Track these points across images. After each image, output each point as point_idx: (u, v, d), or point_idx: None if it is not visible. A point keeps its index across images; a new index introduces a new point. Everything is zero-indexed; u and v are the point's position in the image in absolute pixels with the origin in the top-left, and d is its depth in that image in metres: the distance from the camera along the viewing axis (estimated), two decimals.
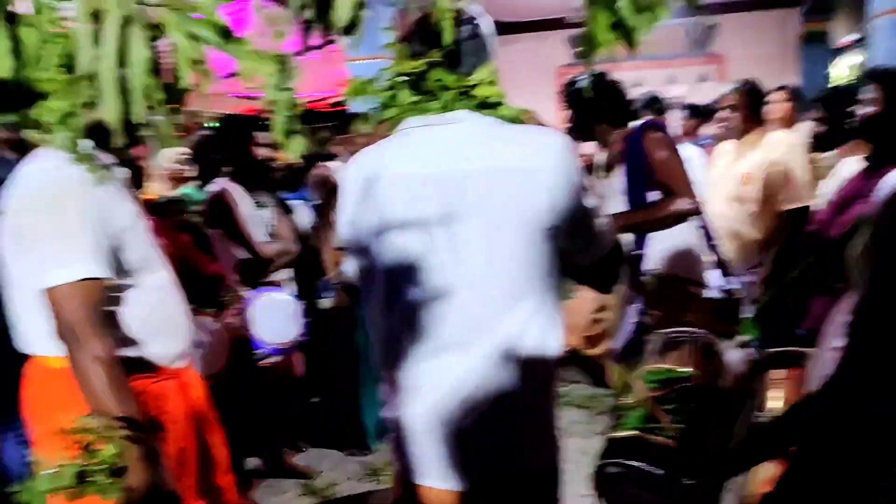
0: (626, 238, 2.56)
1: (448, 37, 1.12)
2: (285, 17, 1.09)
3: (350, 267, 1.66)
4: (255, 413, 3.16)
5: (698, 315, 2.33)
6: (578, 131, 2.69)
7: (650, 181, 2.48)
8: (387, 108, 1.39)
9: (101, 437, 1.32)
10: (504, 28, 8.28)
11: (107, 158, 1.54)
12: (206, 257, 2.57)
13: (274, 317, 2.61)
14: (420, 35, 1.34)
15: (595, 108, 2.59)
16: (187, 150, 3.99)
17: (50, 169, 1.41)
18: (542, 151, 1.29)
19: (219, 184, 2.97)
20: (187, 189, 3.69)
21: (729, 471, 1.31)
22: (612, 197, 2.63)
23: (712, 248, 2.66)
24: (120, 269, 1.51)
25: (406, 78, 1.35)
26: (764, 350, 1.65)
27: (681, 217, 2.45)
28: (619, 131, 2.62)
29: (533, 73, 8.01)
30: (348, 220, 1.44)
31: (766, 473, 1.29)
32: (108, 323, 1.48)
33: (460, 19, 1.35)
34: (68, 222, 1.39)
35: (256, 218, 3.02)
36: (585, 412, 3.96)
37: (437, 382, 1.32)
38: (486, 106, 1.34)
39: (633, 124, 2.61)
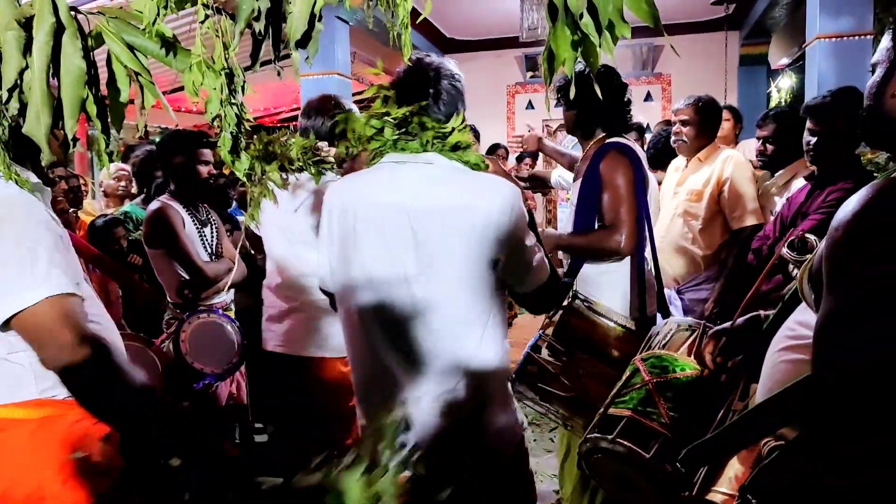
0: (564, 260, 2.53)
1: (407, 52, 1.11)
2: (234, 28, 1.03)
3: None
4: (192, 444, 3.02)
5: (619, 348, 2.07)
6: (578, 128, 2.56)
7: (597, 206, 2.40)
8: (371, 140, 1.61)
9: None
10: (457, 46, 8.43)
11: (30, 176, 1.42)
12: (142, 279, 2.44)
13: (213, 341, 2.49)
14: (408, 84, 1.58)
15: (596, 106, 2.40)
16: (127, 166, 3.85)
17: None
18: (491, 195, 1.50)
19: (159, 201, 2.85)
20: (127, 207, 3.54)
21: (703, 458, 1.32)
22: (572, 206, 2.53)
23: (643, 283, 2.45)
24: None
25: (392, 119, 1.56)
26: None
27: (607, 254, 2.37)
28: (596, 139, 2.50)
29: (485, 91, 8.08)
30: (324, 240, 1.65)
31: (735, 471, 1.31)
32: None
33: (442, 72, 1.58)
34: (25, 240, 1.26)
35: (199, 236, 2.90)
36: (536, 429, 3.93)
37: (397, 390, 1.55)
38: (455, 149, 1.56)
39: (606, 142, 2.47)
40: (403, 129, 1.55)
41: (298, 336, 2.39)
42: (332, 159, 2.32)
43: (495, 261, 1.51)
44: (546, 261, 1.62)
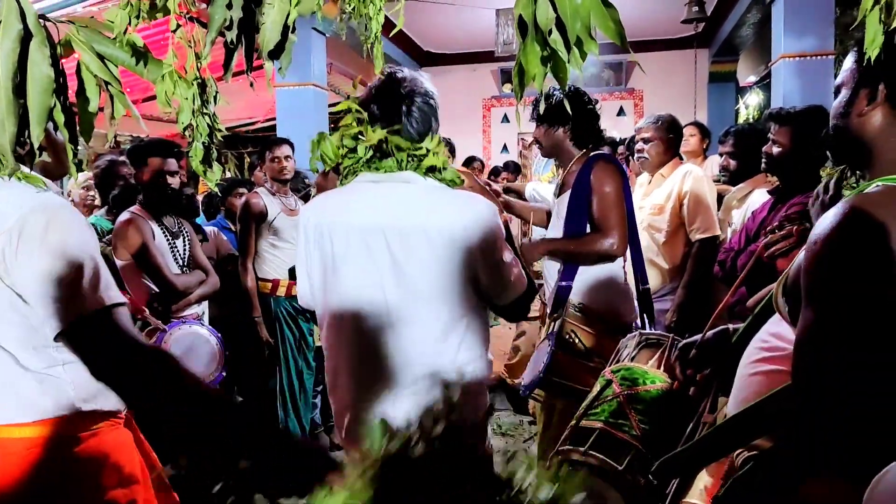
0: (555, 267, 2.56)
1: (378, 65, 1.12)
2: (206, 38, 1.03)
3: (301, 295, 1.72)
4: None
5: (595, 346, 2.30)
6: (548, 147, 2.66)
7: (588, 213, 2.48)
8: (345, 159, 1.59)
9: None
10: (433, 59, 8.46)
11: (51, 185, 1.35)
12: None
13: (189, 352, 2.46)
14: (380, 104, 1.56)
15: (565, 125, 2.55)
16: (93, 176, 3.78)
17: (34, 195, 1.21)
18: (469, 214, 1.53)
19: (129, 213, 2.81)
20: (92, 219, 3.47)
21: (675, 470, 1.32)
22: (557, 218, 2.61)
23: (636, 286, 2.67)
24: None
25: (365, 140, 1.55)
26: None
27: (600, 257, 2.44)
28: (579, 155, 2.58)
29: (461, 104, 8.14)
30: (302, 258, 1.65)
31: (704, 483, 1.32)
32: None
33: (416, 90, 1.57)
34: (75, 248, 1.20)
35: (169, 248, 2.87)
36: (510, 440, 3.94)
37: (376, 408, 1.54)
38: (431, 170, 1.58)
39: (591, 154, 2.57)
40: (377, 151, 1.55)
41: None
42: None
43: (474, 278, 1.54)
44: (523, 274, 1.65)
